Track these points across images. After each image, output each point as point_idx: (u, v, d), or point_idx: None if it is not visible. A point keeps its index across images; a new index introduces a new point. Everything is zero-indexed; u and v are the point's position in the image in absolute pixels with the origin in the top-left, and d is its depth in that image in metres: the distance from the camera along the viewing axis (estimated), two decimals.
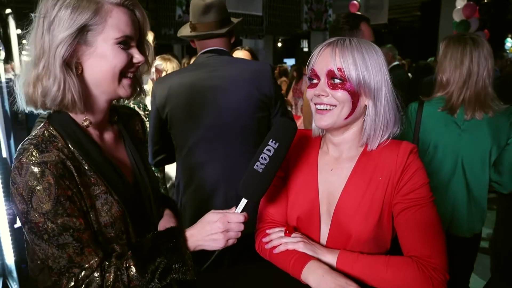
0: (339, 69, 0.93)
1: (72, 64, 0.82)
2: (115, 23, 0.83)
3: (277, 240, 1.02)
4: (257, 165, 0.91)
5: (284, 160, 1.12)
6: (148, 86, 2.76)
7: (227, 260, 1.78)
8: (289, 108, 4.53)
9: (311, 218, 1.04)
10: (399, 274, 0.90)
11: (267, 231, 1.07)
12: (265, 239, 1.06)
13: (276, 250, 1.01)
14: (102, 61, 0.84)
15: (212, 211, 0.93)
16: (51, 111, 0.88)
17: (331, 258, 0.96)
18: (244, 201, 0.92)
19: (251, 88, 1.60)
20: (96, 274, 0.81)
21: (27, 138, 0.84)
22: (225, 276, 1.05)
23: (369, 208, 0.96)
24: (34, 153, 0.78)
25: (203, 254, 0.93)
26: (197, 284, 0.92)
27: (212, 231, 0.89)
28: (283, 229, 1.04)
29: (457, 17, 4.87)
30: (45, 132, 0.84)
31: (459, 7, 4.89)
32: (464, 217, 1.65)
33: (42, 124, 0.87)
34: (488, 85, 1.58)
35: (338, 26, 1.85)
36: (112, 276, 0.81)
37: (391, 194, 0.96)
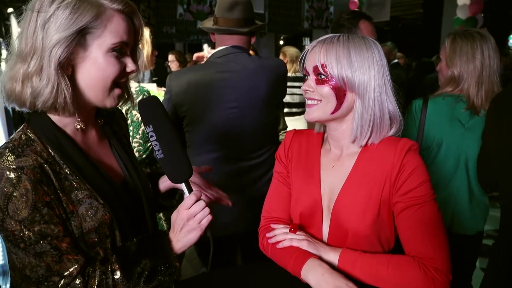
0: (322, 65, 0.95)
1: (64, 65, 0.79)
2: (114, 29, 0.81)
3: (282, 236, 1.03)
4: (157, 154, 0.87)
5: (286, 159, 1.13)
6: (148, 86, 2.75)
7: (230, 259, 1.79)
8: None
9: (314, 215, 1.04)
10: (400, 274, 0.90)
11: (272, 226, 1.07)
12: (269, 234, 1.06)
13: (280, 245, 1.01)
14: (94, 67, 0.82)
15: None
16: (30, 113, 0.85)
17: (333, 256, 0.95)
18: (182, 185, 0.90)
19: (266, 88, 1.60)
20: (77, 281, 0.78)
21: (4, 142, 0.81)
22: (225, 276, 1.05)
23: (366, 205, 0.96)
24: (9, 158, 0.75)
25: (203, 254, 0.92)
26: (196, 284, 0.92)
27: (180, 225, 0.87)
28: (288, 226, 1.04)
29: (461, 14, 4.84)
30: (23, 135, 0.81)
31: (462, 4, 4.86)
32: (467, 214, 1.65)
33: (20, 128, 0.84)
34: (498, 79, 1.57)
35: (338, 23, 1.86)
36: (96, 281, 0.79)
37: (389, 191, 0.96)
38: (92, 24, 0.79)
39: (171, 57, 4.77)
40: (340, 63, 0.94)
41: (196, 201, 0.88)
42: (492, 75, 1.57)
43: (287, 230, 1.04)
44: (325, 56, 0.95)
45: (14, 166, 0.74)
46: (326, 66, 0.95)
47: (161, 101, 2.36)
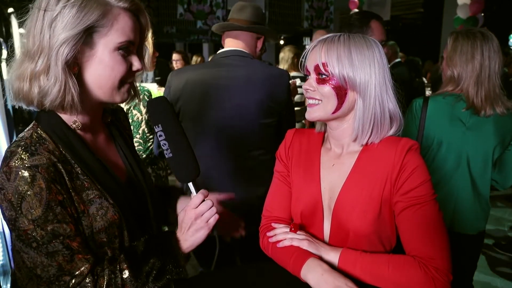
0: (324, 64, 0.95)
1: (71, 64, 0.79)
2: (120, 27, 0.81)
3: (282, 235, 1.03)
4: (166, 154, 0.89)
5: (286, 158, 1.13)
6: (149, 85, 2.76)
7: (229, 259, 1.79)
8: None
9: (314, 214, 1.04)
10: (400, 273, 0.90)
11: (273, 225, 1.08)
12: (269, 233, 1.06)
13: (281, 244, 1.01)
14: (101, 66, 0.82)
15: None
16: (39, 112, 0.85)
17: (334, 256, 0.95)
18: (190, 185, 0.91)
19: (263, 93, 1.60)
20: (87, 280, 0.78)
21: (14, 140, 0.81)
22: (225, 276, 1.04)
23: (367, 204, 0.96)
24: (23, 156, 0.75)
25: (208, 253, 0.93)
26: (196, 284, 0.92)
27: (188, 224, 0.88)
28: (289, 226, 1.04)
29: (461, 13, 4.83)
30: (34, 134, 0.81)
31: (462, 3, 4.86)
32: (468, 214, 1.64)
33: (30, 126, 0.84)
34: (499, 81, 1.56)
35: (349, 22, 1.86)
36: (105, 280, 0.79)
37: (390, 191, 0.96)
38: (99, 22, 0.78)
39: (176, 56, 4.72)
40: (341, 62, 0.94)
41: (203, 200, 0.89)
42: (492, 75, 1.55)
43: (288, 229, 1.04)
44: (326, 55, 0.95)
45: (28, 165, 0.74)
46: (327, 65, 0.95)
47: None
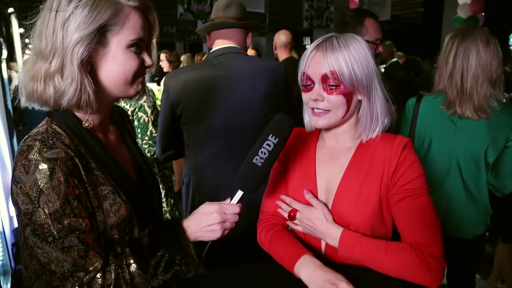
0: (332, 72, 0.94)
1: (85, 63, 0.80)
2: (131, 26, 0.83)
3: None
4: (256, 159, 0.90)
5: (283, 155, 1.14)
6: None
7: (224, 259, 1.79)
8: None
9: None
10: (397, 258, 0.93)
11: (278, 203, 1.10)
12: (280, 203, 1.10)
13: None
14: (114, 63, 0.83)
15: (207, 202, 0.93)
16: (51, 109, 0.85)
17: (336, 232, 0.98)
18: (240, 193, 0.93)
19: (265, 88, 1.60)
20: (98, 275, 0.78)
21: (27, 136, 0.81)
22: (224, 276, 1.05)
23: (366, 199, 0.98)
24: (42, 149, 0.75)
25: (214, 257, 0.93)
26: (196, 284, 0.92)
27: (209, 222, 0.89)
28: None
29: (462, 13, 4.82)
30: (49, 129, 0.82)
31: (462, 3, 4.85)
32: (462, 216, 1.60)
33: (43, 122, 0.85)
34: (481, 82, 1.48)
35: (343, 20, 1.84)
36: (113, 275, 0.78)
37: (386, 186, 0.98)
38: (111, 21, 0.80)
39: (161, 56, 4.78)
40: (349, 67, 0.94)
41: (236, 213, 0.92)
42: (466, 76, 1.48)
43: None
44: (333, 62, 0.94)
45: (48, 157, 0.75)
46: (336, 72, 0.94)
47: (159, 100, 2.36)
